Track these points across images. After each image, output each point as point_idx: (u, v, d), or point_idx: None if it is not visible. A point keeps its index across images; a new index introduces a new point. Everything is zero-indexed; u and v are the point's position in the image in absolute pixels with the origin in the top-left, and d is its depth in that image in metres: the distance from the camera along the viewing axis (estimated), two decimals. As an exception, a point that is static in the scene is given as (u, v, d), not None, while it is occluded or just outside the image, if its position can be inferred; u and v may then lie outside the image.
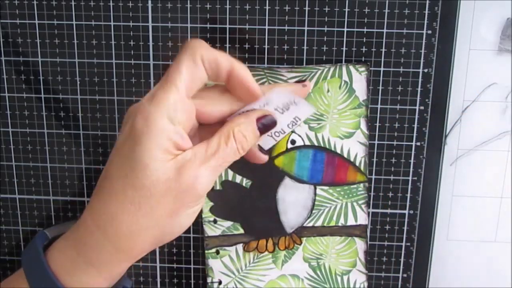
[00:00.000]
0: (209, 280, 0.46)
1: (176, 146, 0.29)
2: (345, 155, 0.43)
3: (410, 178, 0.44)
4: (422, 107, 0.42)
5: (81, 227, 0.30)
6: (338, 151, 0.43)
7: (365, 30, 0.41)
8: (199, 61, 0.29)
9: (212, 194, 0.44)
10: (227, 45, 0.42)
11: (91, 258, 0.29)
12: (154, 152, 0.28)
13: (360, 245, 0.45)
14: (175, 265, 0.46)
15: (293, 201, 0.44)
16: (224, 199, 0.44)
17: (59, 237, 0.32)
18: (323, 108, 0.42)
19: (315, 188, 0.44)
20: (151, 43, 0.42)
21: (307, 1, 0.41)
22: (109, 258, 0.29)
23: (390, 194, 0.44)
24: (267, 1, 0.41)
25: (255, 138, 0.31)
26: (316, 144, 0.43)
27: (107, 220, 0.29)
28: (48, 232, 0.33)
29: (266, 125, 0.31)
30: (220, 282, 0.46)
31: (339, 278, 0.45)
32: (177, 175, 0.28)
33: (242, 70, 0.31)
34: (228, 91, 0.32)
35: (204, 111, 0.31)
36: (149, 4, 0.41)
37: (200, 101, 0.31)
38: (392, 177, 0.44)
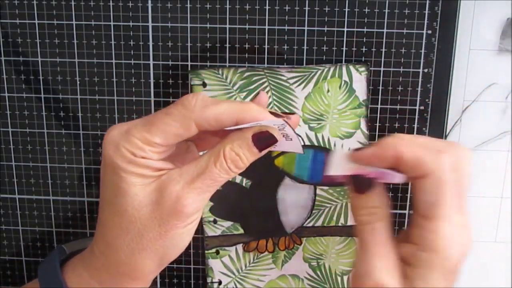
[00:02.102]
0: (209, 280, 0.46)
1: (154, 169, 0.28)
2: (345, 155, 0.43)
3: (410, 178, 0.44)
4: (422, 107, 0.42)
5: (91, 253, 0.31)
6: (338, 151, 0.43)
7: (365, 30, 0.41)
8: (191, 124, 0.28)
9: (212, 194, 0.44)
10: (227, 45, 0.42)
11: (103, 282, 0.30)
12: (130, 178, 0.28)
13: (360, 245, 0.45)
14: (175, 265, 0.46)
15: (293, 201, 0.44)
16: (224, 199, 0.44)
17: (76, 253, 0.33)
18: (323, 108, 0.42)
19: (315, 188, 0.44)
20: (151, 43, 0.42)
21: (307, 1, 0.41)
22: (117, 281, 0.30)
23: (391, 194, 0.44)
24: (267, 1, 0.41)
25: (253, 155, 0.29)
26: (316, 144, 0.43)
27: (105, 246, 0.30)
28: (66, 247, 0.33)
29: (264, 140, 0.29)
30: (220, 282, 0.46)
31: (339, 278, 0.45)
32: (159, 197, 0.28)
33: (251, 118, 0.28)
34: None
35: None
36: (149, 4, 0.41)
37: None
38: (392, 177, 0.44)
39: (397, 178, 0.28)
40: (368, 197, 0.29)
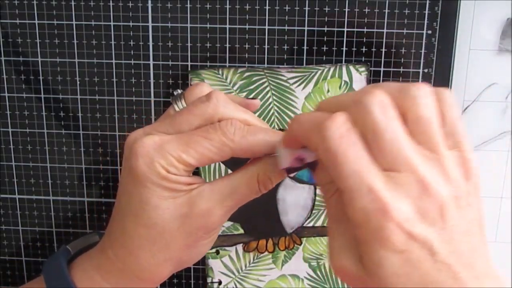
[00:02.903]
0: (209, 280, 0.46)
1: (185, 184, 0.28)
2: (345, 155, 0.43)
3: (410, 178, 0.44)
4: (422, 107, 0.42)
5: (103, 256, 0.31)
6: (338, 151, 0.43)
7: (365, 30, 0.41)
8: (226, 151, 0.28)
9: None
10: (227, 45, 0.42)
11: (115, 284, 0.30)
12: (161, 192, 0.28)
13: (360, 245, 0.45)
14: (175, 265, 0.46)
15: (293, 201, 0.44)
16: (224, 199, 0.44)
17: (81, 253, 0.32)
18: (323, 108, 0.42)
19: (315, 188, 0.44)
20: (151, 43, 0.42)
21: (307, 1, 0.41)
22: (132, 284, 0.30)
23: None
24: (267, 1, 0.41)
25: (281, 177, 0.30)
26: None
27: (126, 254, 0.30)
28: (70, 247, 0.33)
29: (295, 166, 0.29)
30: (220, 282, 0.46)
31: (339, 278, 0.45)
32: (189, 211, 0.28)
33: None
34: None
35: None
36: (149, 4, 0.41)
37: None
38: (392, 177, 0.44)
39: (312, 155, 0.26)
40: (317, 174, 0.26)
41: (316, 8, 0.41)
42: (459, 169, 0.23)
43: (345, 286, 0.45)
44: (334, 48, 0.42)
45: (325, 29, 0.41)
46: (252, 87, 0.42)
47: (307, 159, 0.27)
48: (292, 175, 0.30)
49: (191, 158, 0.28)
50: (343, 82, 0.42)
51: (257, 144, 0.28)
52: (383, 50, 0.41)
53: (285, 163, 0.28)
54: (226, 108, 0.28)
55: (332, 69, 0.41)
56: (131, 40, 0.42)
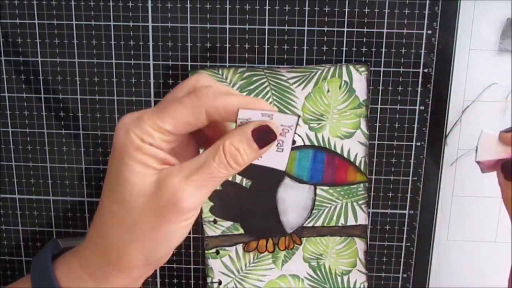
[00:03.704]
0: (209, 280, 0.46)
1: (159, 161, 0.28)
2: (345, 155, 0.43)
3: (410, 178, 0.44)
4: (422, 107, 0.42)
5: (84, 243, 0.31)
6: (338, 151, 0.43)
7: (365, 30, 0.41)
8: (202, 113, 0.28)
9: (212, 194, 0.44)
10: (227, 45, 0.42)
11: (89, 271, 0.30)
12: (133, 166, 0.28)
13: (360, 245, 0.45)
14: (175, 265, 0.46)
15: (293, 201, 0.44)
16: (224, 199, 0.44)
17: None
18: (323, 108, 0.42)
19: (315, 188, 0.44)
20: (151, 43, 0.42)
21: (307, 1, 0.41)
22: (103, 270, 0.30)
23: (390, 194, 0.44)
24: (267, 1, 0.41)
25: (252, 152, 0.29)
26: (316, 144, 0.43)
27: (98, 233, 0.30)
28: (61, 241, 0.33)
29: (263, 136, 0.29)
30: (220, 282, 0.46)
31: (339, 278, 0.45)
32: (157, 189, 0.28)
33: (260, 107, 0.28)
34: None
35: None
36: (149, 4, 0.41)
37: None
38: (392, 177, 0.44)
39: None
40: None
41: (316, 8, 0.41)
42: None
43: (345, 287, 0.46)
44: (334, 48, 0.42)
45: (325, 29, 0.41)
46: (252, 87, 0.42)
47: None
48: (264, 151, 0.28)
49: (166, 124, 0.28)
50: (343, 82, 0.42)
51: (231, 104, 0.28)
52: (383, 50, 0.41)
53: (487, 156, 0.27)
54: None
55: (332, 69, 0.41)
56: (131, 40, 0.42)
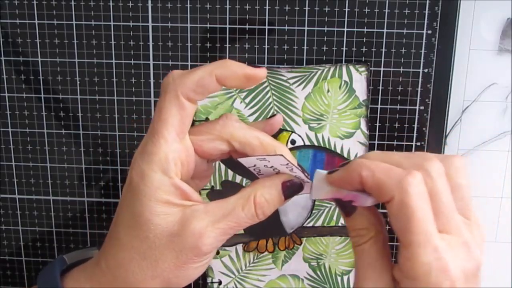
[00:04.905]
0: (209, 280, 0.46)
1: (180, 196, 0.28)
2: (345, 155, 0.43)
3: (410, 178, 0.44)
4: (422, 107, 0.42)
5: (96, 266, 0.31)
6: (338, 151, 0.43)
7: (365, 30, 0.41)
8: (181, 99, 0.28)
9: (212, 194, 0.44)
10: (227, 45, 0.42)
11: None
12: (154, 207, 0.28)
13: (360, 245, 0.45)
14: (175, 265, 0.46)
15: (293, 201, 0.44)
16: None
17: (77, 264, 0.32)
18: (323, 108, 0.42)
19: (315, 188, 0.44)
20: (151, 43, 0.42)
21: (307, 1, 0.41)
22: None
23: (390, 194, 0.44)
24: (267, 1, 0.41)
25: (279, 203, 0.29)
26: (316, 144, 0.43)
27: (116, 266, 0.29)
28: (67, 257, 0.33)
29: (292, 189, 0.29)
30: (220, 282, 0.46)
31: (339, 278, 0.45)
32: (181, 230, 0.28)
33: (228, 69, 0.28)
34: (228, 123, 0.31)
35: (202, 149, 0.30)
36: (149, 4, 0.41)
37: (198, 138, 0.30)
38: (392, 177, 0.44)
39: (369, 201, 0.27)
40: (354, 219, 0.28)
41: (316, 8, 0.41)
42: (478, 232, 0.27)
43: (345, 287, 0.46)
44: (334, 48, 0.42)
45: (325, 29, 0.41)
46: (252, 87, 0.42)
47: (357, 202, 0.27)
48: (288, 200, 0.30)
49: (164, 132, 0.28)
50: (343, 82, 0.42)
51: (201, 77, 0.28)
52: (383, 50, 0.41)
53: (318, 196, 0.28)
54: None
55: (332, 69, 0.41)
56: (131, 40, 0.42)
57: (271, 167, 0.29)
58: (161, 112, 0.28)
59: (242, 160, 0.29)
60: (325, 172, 0.28)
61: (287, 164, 0.28)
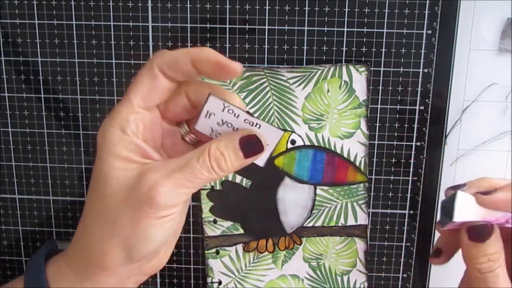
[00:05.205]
0: (209, 280, 0.46)
1: (140, 154, 0.29)
2: (345, 155, 0.43)
3: (410, 178, 0.44)
4: (422, 107, 0.42)
5: (72, 243, 0.31)
6: (338, 151, 0.43)
7: (365, 30, 0.41)
8: (155, 71, 0.28)
9: (212, 194, 0.44)
10: (227, 45, 0.42)
11: (75, 269, 0.30)
12: (112, 161, 0.28)
13: (360, 245, 0.45)
14: (175, 265, 0.46)
15: (293, 201, 0.44)
16: (224, 199, 0.44)
17: None
18: (323, 108, 0.42)
19: (315, 188, 0.44)
20: (151, 43, 0.42)
21: (307, 1, 0.41)
22: (86, 268, 0.30)
23: (390, 194, 0.44)
24: (267, 1, 0.41)
25: (237, 159, 0.28)
26: (316, 144, 0.43)
27: (83, 231, 0.30)
28: (60, 243, 0.33)
29: (250, 146, 0.28)
30: (220, 282, 0.46)
31: (339, 278, 0.45)
32: (137, 183, 0.28)
33: (205, 54, 0.28)
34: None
35: (164, 109, 0.30)
36: (149, 4, 0.41)
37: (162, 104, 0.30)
38: (392, 177, 0.44)
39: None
40: (488, 244, 0.28)
41: (316, 8, 0.41)
42: None
43: (345, 287, 0.45)
44: (334, 48, 0.42)
45: (325, 29, 0.41)
46: (252, 87, 0.42)
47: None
48: (249, 161, 0.29)
49: (132, 99, 0.28)
50: (343, 82, 0.42)
51: (178, 55, 0.28)
52: (383, 50, 0.41)
53: (463, 218, 0.28)
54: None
55: (332, 69, 0.41)
56: (131, 40, 0.42)
57: (231, 126, 0.29)
58: (135, 79, 0.29)
59: (199, 127, 0.29)
60: (468, 194, 0.28)
61: (250, 120, 0.28)
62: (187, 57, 0.28)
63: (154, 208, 0.27)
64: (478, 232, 0.28)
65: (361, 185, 0.43)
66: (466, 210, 0.28)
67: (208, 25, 0.42)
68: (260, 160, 0.30)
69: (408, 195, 0.44)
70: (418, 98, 0.42)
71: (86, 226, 0.30)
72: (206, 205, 0.44)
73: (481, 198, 0.28)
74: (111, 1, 0.41)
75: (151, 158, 0.29)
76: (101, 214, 0.29)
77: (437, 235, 0.45)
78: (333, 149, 0.43)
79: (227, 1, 0.41)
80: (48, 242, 0.33)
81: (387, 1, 0.40)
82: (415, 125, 0.43)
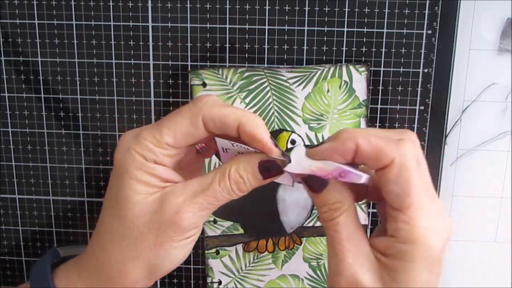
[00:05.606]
0: (209, 280, 0.46)
1: (162, 179, 0.28)
2: (345, 155, 0.43)
3: (410, 178, 0.44)
4: (422, 107, 0.42)
5: (85, 254, 0.31)
6: (338, 151, 0.43)
7: (365, 30, 0.41)
8: (199, 122, 0.28)
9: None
10: (227, 45, 0.42)
11: (89, 284, 0.30)
12: (135, 185, 0.28)
13: (360, 245, 0.45)
14: (175, 265, 0.46)
15: (293, 201, 0.44)
16: (224, 199, 0.44)
17: (70, 258, 0.32)
18: (323, 108, 0.42)
19: (315, 188, 0.44)
20: (151, 43, 0.42)
21: (307, 1, 0.41)
22: (103, 285, 0.30)
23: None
24: (267, 1, 0.41)
25: (256, 181, 0.29)
26: (316, 144, 0.43)
27: (99, 248, 0.30)
28: (61, 250, 0.33)
29: (269, 170, 0.28)
30: (220, 282, 0.46)
31: None
32: (159, 208, 0.28)
33: (251, 127, 0.28)
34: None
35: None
36: (149, 4, 0.41)
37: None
38: (392, 177, 0.44)
39: (363, 179, 0.26)
40: (326, 194, 0.28)
41: (316, 8, 0.41)
42: None
43: (345, 286, 0.45)
44: (334, 48, 0.42)
45: (325, 29, 0.41)
46: (252, 87, 0.42)
47: (346, 177, 0.27)
48: (267, 182, 0.29)
49: (165, 136, 0.28)
50: (343, 82, 0.42)
51: (226, 114, 0.28)
52: (383, 50, 0.41)
53: (297, 170, 0.28)
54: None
55: (332, 69, 0.41)
56: (131, 40, 0.42)
57: (248, 148, 0.29)
58: (174, 116, 0.28)
59: (218, 140, 0.29)
60: (304, 147, 0.28)
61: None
62: (235, 123, 0.28)
63: (179, 232, 0.28)
64: (311, 184, 0.28)
65: (361, 185, 0.43)
66: (300, 163, 0.28)
67: (208, 25, 0.42)
68: (288, 180, 0.29)
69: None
70: (418, 98, 0.42)
71: (104, 245, 0.29)
72: (206, 205, 0.44)
73: (310, 150, 0.28)
74: (111, 1, 0.41)
75: (171, 181, 0.29)
76: (121, 235, 0.28)
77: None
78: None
79: (227, 1, 0.41)
80: (51, 250, 0.33)
81: (387, 1, 0.40)
82: (415, 125, 0.43)
